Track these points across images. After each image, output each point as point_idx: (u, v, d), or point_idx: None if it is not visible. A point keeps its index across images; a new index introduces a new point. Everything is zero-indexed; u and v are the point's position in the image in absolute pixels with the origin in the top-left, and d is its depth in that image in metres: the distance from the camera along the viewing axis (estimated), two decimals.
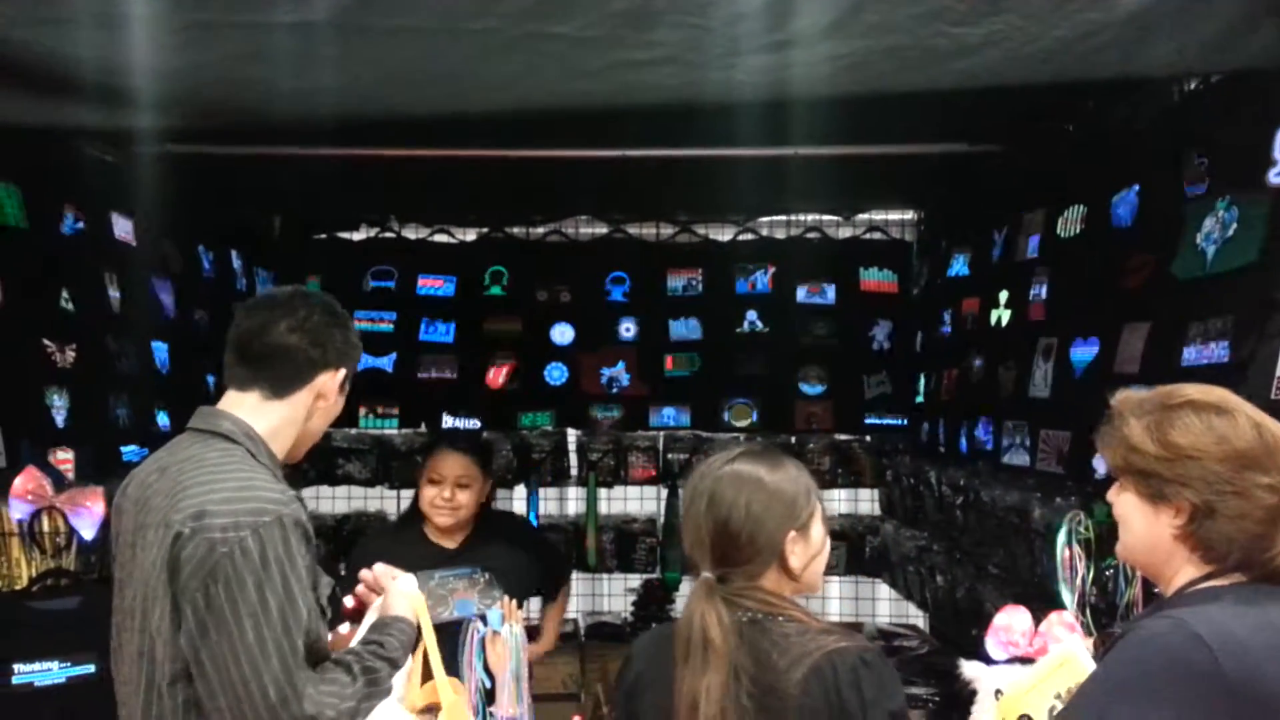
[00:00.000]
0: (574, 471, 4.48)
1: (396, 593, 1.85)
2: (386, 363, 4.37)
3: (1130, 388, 1.47)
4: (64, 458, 2.70)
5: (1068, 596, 2.23)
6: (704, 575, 1.63)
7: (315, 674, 1.53)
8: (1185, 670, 1.21)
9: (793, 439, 4.38)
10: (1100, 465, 2.39)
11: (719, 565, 1.63)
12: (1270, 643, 1.23)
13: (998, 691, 1.79)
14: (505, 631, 2.44)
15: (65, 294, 2.81)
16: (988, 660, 1.98)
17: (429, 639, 1.92)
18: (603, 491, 4.48)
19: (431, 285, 4.43)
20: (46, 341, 2.71)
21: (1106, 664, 1.32)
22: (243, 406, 1.69)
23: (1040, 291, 2.93)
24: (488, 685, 2.42)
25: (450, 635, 2.75)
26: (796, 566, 1.65)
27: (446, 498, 2.82)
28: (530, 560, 2.98)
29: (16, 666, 2.30)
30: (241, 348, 1.70)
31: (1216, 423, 1.34)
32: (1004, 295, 3.18)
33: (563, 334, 4.41)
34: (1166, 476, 1.35)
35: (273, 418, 1.70)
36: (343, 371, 1.75)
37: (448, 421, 4.37)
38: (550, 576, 3.13)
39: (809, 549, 1.67)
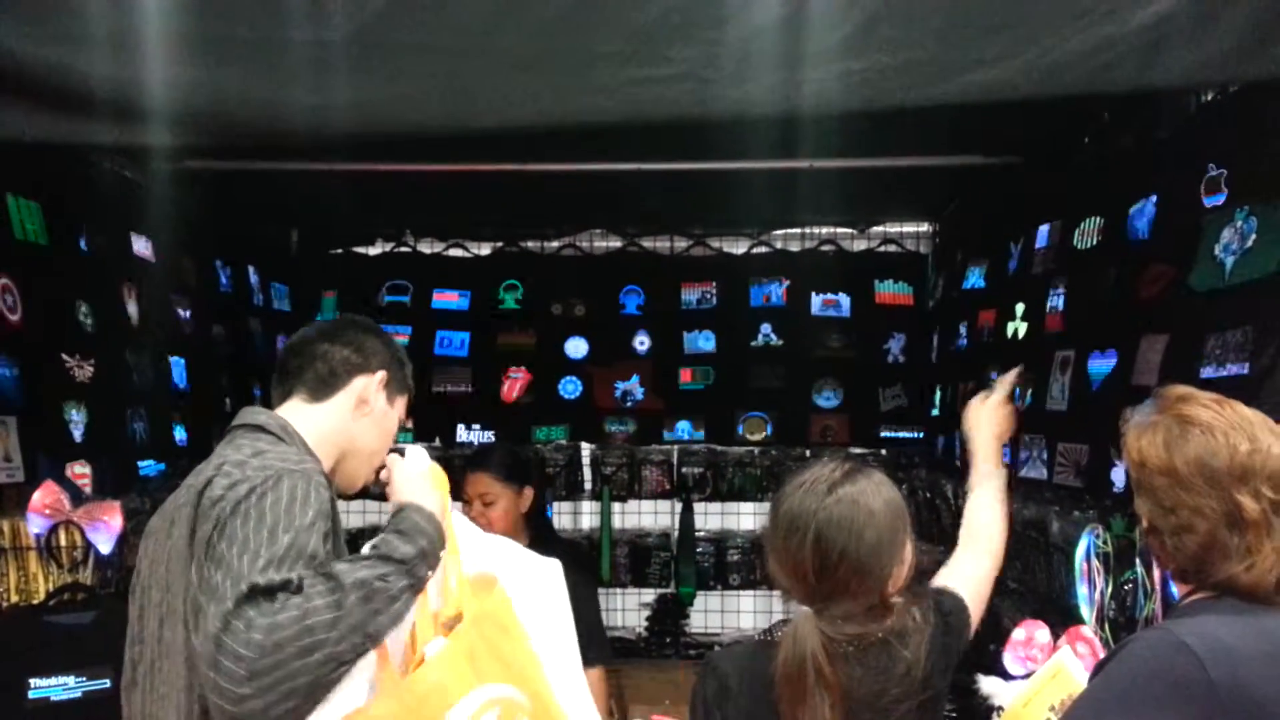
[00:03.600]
0: (588, 485, 4.48)
1: (400, 476, 1.61)
2: None
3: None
4: (81, 472, 2.72)
5: (1087, 611, 2.20)
6: (803, 610, 1.57)
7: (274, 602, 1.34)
8: (1173, 678, 1.22)
9: (807, 452, 4.36)
10: (1119, 479, 2.38)
11: (820, 600, 1.56)
12: (1258, 649, 1.23)
13: (999, 709, 1.79)
14: None
15: (84, 309, 2.84)
16: (1006, 676, 1.96)
17: (447, 520, 1.58)
18: (616, 505, 4.47)
19: (446, 299, 4.45)
20: (65, 356, 2.73)
21: (1101, 676, 1.33)
22: (283, 409, 1.69)
23: (1057, 303, 2.91)
24: None
25: None
26: (893, 593, 1.58)
27: (473, 517, 2.84)
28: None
29: (33, 681, 2.31)
30: (281, 362, 1.72)
31: (1171, 437, 1.33)
32: (1020, 307, 3.16)
33: (577, 348, 4.41)
34: (1134, 481, 1.37)
35: (312, 421, 1.66)
36: (381, 374, 1.71)
37: (462, 435, 4.38)
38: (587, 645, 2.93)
39: (904, 571, 1.60)
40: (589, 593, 3.05)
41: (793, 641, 1.53)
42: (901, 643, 1.54)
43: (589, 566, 3.18)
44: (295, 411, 1.67)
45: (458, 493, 2.95)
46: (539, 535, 3.02)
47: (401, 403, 1.77)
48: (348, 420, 1.68)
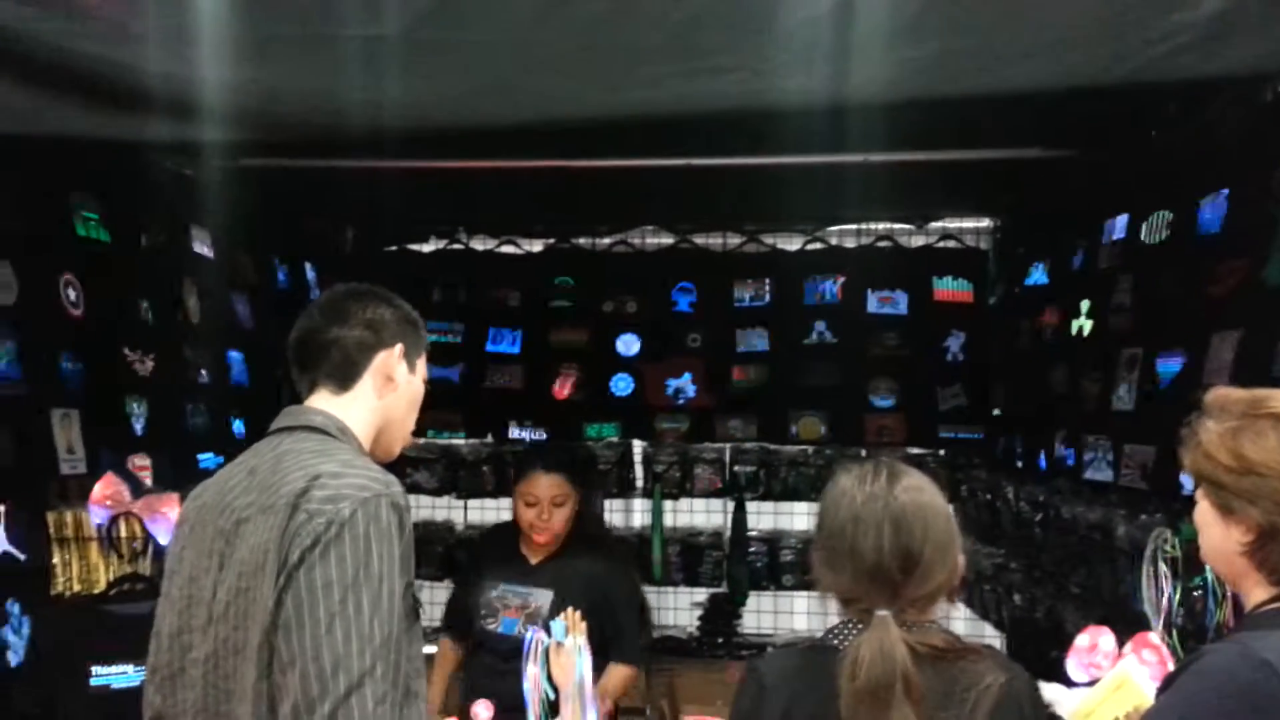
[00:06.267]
0: (639, 483, 4.46)
1: None
2: (454, 373, 4.41)
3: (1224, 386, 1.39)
4: (142, 464, 2.77)
5: (1153, 618, 2.13)
6: (880, 614, 1.47)
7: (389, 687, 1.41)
8: (1252, 697, 1.16)
9: (863, 452, 4.29)
10: (1189, 481, 2.29)
11: (897, 600, 1.49)
12: None
13: (1060, 718, 1.73)
14: (569, 643, 2.42)
15: (145, 305, 2.89)
16: (1068, 683, 1.90)
17: None
18: (668, 504, 4.45)
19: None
20: (127, 351, 2.79)
21: (1173, 693, 1.26)
22: (318, 404, 1.65)
23: (1124, 301, 2.82)
24: (551, 697, 2.40)
25: (507, 643, 2.78)
26: (958, 585, 1.54)
27: (544, 519, 2.87)
28: (604, 604, 2.83)
29: (94, 669, 2.35)
30: (295, 352, 1.70)
31: None
32: (1085, 305, 3.08)
33: (628, 345, 4.39)
34: (1233, 489, 1.29)
35: (349, 412, 1.65)
36: (399, 347, 1.69)
37: (514, 432, 4.39)
38: (614, 645, 2.85)
39: (963, 560, 1.57)
40: (632, 592, 3.07)
41: (879, 649, 1.44)
42: (970, 677, 1.46)
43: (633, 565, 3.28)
44: (327, 404, 1.65)
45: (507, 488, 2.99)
46: (584, 531, 3.04)
47: (421, 363, 1.76)
48: (377, 400, 1.67)
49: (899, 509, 1.50)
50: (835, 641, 1.52)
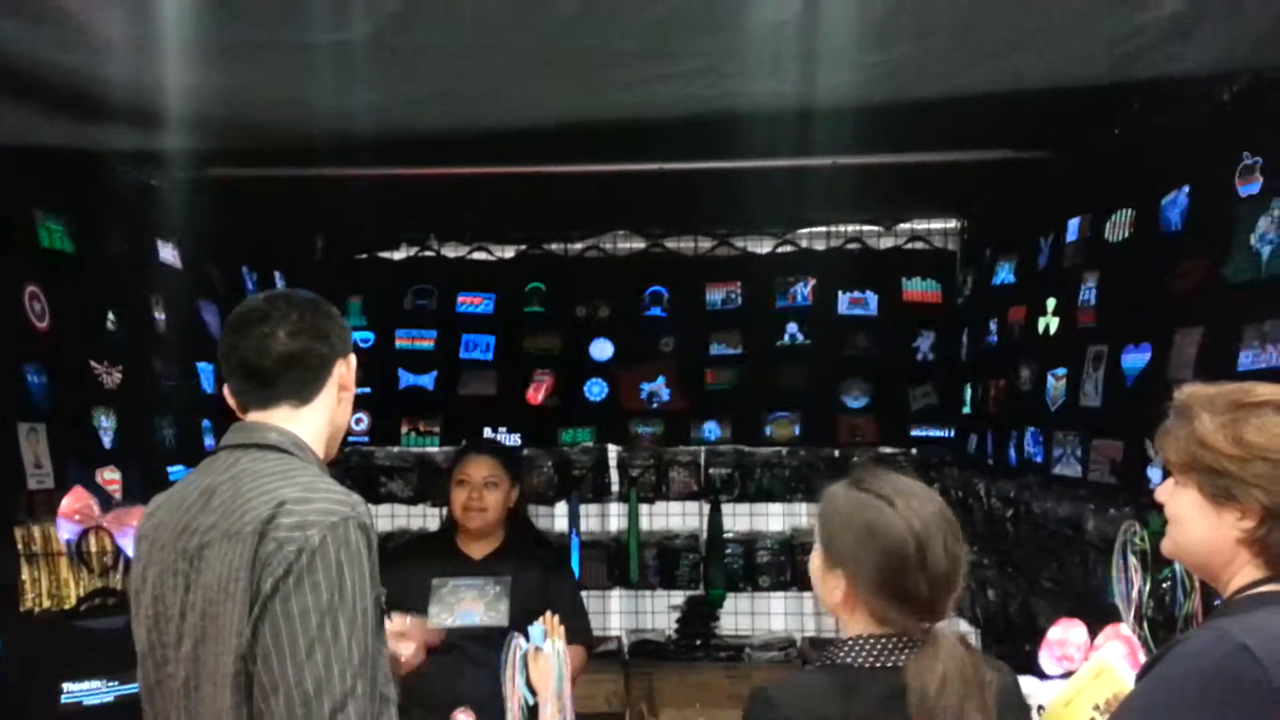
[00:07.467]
0: (615, 487, 4.46)
1: None
2: (428, 380, 4.40)
3: (1193, 383, 1.42)
4: (111, 478, 2.74)
5: (1124, 609, 2.16)
6: (943, 626, 1.46)
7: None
8: (1233, 684, 1.17)
9: (836, 453, 4.32)
10: (1156, 475, 2.33)
11: (935, 614, 1.48)
12: None
13: (1039, 707, 1.75)
14: (547, 648, 2.42)
15: (111, 316, 2.86)
16: (1042, 676, 1.93)
17: None
18: (644, 507, 4.45)
19: (471, 303, 4.45)
20: (93, 363, 2.76)
21: (1151, 679, 1.28)
22: (275, 420, 1.63)
23: (1089, 298, 2.86)
24: (530, 702, 2.40)
25: (478, 644, 2.75)
26: None
27: (475, 499, 2.91)
28: (544, 589, 2.89)
29: (65, 686, 2.32)
30: (250, 369, 1.62)
31: None
32: (1052, 302, 3.12)
33: (602, 350, 4.40)
34: (1238, 476, 1.31)
35: (307, 425, 1.64)
36: (352, 357, 1.71)
37: (488, 438, 4.38)
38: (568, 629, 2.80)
39: None
40: (571, 583, 3.13)
41: (959, 663, 1.40)
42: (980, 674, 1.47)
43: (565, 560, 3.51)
44: (289, 420, 1.63)
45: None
46: (519, 530, 3.06)
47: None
48: (334, 409, 1.69)
49: (947, 513, 1.49)
50: (859, 662, 1.47)
